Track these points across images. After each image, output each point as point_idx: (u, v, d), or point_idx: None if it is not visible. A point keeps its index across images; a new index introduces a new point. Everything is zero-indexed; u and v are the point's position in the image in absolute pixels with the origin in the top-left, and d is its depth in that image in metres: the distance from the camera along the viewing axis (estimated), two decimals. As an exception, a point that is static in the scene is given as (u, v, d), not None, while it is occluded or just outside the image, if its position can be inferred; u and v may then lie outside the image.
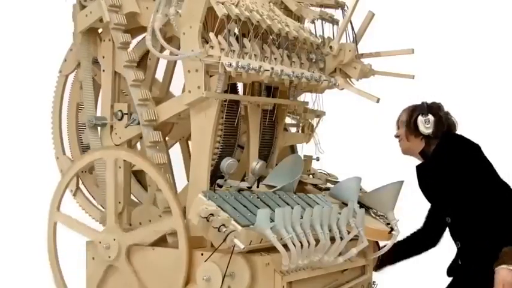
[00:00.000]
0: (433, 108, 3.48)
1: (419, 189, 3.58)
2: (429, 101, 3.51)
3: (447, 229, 3.58)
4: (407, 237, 3.72)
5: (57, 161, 3.50)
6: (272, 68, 2.99)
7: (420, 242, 3.72)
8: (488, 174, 3.38)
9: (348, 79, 3.58)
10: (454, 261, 3.55)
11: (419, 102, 3.52)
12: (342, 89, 3.53)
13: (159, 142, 3.11)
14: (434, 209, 3.63)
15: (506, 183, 3.39)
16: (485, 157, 3.40)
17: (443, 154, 3.42)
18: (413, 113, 3.49)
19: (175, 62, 3.37)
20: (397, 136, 3.60)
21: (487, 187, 3.36)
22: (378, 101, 3.45)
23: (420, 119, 3.45)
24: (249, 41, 3.01)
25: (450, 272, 3.56)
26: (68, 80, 3.48)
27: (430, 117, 3.44)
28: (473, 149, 3.40)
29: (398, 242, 3.52)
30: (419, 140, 3.50)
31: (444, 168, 3.40)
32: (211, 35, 2.92)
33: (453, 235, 3.52)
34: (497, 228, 3.30)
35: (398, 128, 3.60)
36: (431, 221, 3.68)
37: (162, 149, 3.19)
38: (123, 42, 3.13)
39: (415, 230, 3.74)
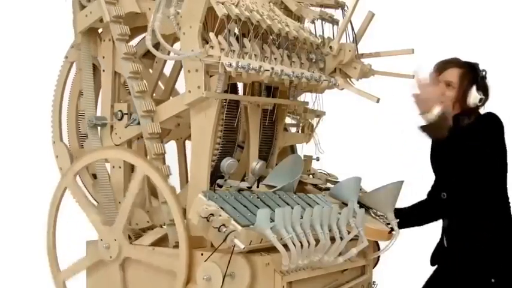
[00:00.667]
0: (486, 85, 3.36)
1: (431, 158, 3.47)
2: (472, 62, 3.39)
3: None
4: (414, 206, 3.63)
5: (53, 145, 3.47)
6: (272, 68, 2.99)
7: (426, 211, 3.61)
8: (503, 163, 3.34)
9: (348, 79, 3.58)
10: (438, 247, 3.49)
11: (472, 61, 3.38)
12: (342, 89, 3.52)
13: (158, 134, 3.10)
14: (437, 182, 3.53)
15: (505, 180, 3.37)
16: (505, 144, 3.33)
17: (481, 133, 3.25)
18: (469, 80, 3.33)
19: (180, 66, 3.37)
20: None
21: (496, 175, 3.32)
22: (378, 101, 3.40)
23: (474, 92, 3.32)
24: (249, 41, 3.01)
25: (434, 259, 3.50)
26: (72, 67, 3.46)
27: (482, 95, 3.33)
28: (502, 135, 3.30)
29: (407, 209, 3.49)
30: (460, 108, 3.35)
31: (473, 146, 3.19)
32: (211, 35, 2.92)
33: (444, 213, 3.45)
34: (490, 214, 3.28)
35: (437, 74, 3.39)
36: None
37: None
38: (121, 33, 3.13)
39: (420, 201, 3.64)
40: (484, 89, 3.37)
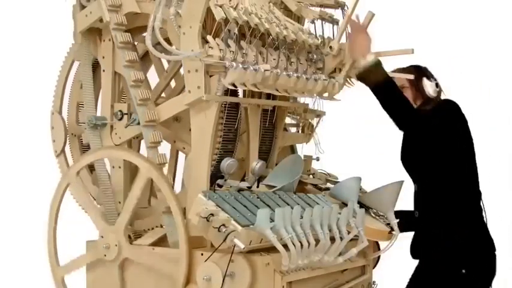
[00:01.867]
0: (429, 71, 3.49)
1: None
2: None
3: None
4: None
5: (51, 116, 3.48)
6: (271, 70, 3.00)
7: None
8: (468, 150, 3.35)
9: (348, 79, 3.58)
10: (414, 239, 3.46)
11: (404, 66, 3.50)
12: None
13: (160, 142, 3.11)
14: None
15: (476, 166, 3.36)
16: (470, 132, 3.36)
17: (439, 113, 3.32)
18: (416, 76, 3.44)
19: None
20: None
21: (462, 161, 3.30)
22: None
23: (427, 82, 3.42)
24: (249, 43, 3.01)
25: (414, 252, 3.46)
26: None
27: (433, 80, 3.44)
28: (464, 122, 3.34)
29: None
30: (422, 101, 3.43)
31: (436, 131, 3.28)
32: (209, 37, 2.93)
33: (415, 204, 3.43)
34: (459, 204, 3.28)
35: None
36: None
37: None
38: (123, 41, 3.13)
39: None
40: (434, 78, 3.47)
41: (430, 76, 3.46)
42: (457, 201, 3.28)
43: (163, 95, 3.60)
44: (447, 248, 3.26)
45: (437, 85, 3.45)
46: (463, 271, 3.23)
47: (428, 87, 3.41)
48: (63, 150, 3.47)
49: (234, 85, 2.93)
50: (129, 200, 3.07)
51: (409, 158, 3.43)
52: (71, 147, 3.50)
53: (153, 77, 3.65)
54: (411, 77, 3.45)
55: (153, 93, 3.53)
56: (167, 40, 3.02)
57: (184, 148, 3.45)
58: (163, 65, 3.66)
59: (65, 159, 3.48)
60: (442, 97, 3.46)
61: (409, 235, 3.60)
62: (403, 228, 3.46)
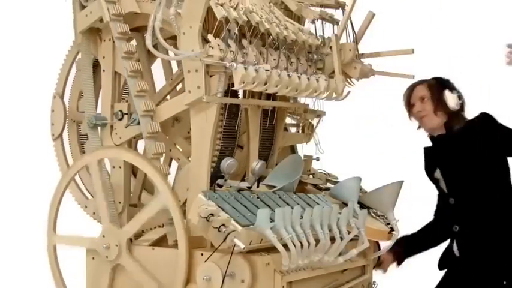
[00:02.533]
0: (455, 86, 3.46)
1: (428, 167, 3.51)
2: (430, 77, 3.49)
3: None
4: (423, 230, 3.64)
5: (52, 100, 3.48)
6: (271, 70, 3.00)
7: (437, 232, 3.61)
8: (504, 165, 3.38)
9: (348, 79, 3.58)
10: (447, 251, 3.50)
11: (428, 77, 3.47)
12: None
13: (158, 133, 3.10)
14: (441, 191, 3.54)
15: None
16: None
17: (481, 131, 3.36)
18: (438, 87, 3.43)
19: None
20: (418, 113, 3.47)
21: (505, 174, 3.36)
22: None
23: (449, 94, 3.39)
24: (249, 43, 3.01)
25: (443, 264, 3.52)
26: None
27: (457, 93, 3.41)
28: (508, 136, 3.35)
29: (413, 236, 3.55)
30: (447, 115, 3.43)
31: (477, 144, 3.33)
32: (210, 37, 2.93)
33: (453, 218, 3.45)
34: (500, 216, 3.30)
35: (412, 106, 3.49)
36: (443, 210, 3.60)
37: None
38: (121, 32, 3.12)
39: (428, 223, 3.65)
40: (457, 90, 3.45)
41: (452, 88, 3.43)
42: (498, 213, 3.32)
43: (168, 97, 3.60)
44: (489, 260, 3.30)
45: (459, 97, 3.41)
46: (504, 283, 3.28)
47: (450, 99, 3.39)
48: (60, 135, 3.48)
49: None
50: (142, 215, 3.04)
51: (447, 174, 3.45)
52: (68, 133, 3.50)
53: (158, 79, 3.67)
54: (411, 77, 3.45)
55: (157, 96, 3.53)
56: (174, 39, 3.02)
57: (179, 159, 3.45)
58: (172, 67, 3.66)
59: (61, 144, 3.48)
60: (466, 108, 3.45)
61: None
62: (403, 255, 3.57)
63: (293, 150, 3.92)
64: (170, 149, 3.47)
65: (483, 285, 3.31)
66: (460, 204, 3.43)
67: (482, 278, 3.31)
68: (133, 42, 3.38)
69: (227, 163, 3.08)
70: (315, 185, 3.66)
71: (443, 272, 3.55)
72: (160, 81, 3.67)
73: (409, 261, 3.73)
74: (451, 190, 3.46)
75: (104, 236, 3.11)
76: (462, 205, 3.42)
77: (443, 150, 3.43)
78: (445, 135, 3.43)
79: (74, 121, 3.51)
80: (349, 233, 2.99)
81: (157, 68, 3.70)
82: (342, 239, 2.95)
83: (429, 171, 3.54)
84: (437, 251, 3.66)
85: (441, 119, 3.43)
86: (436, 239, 3.60)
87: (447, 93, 3.40)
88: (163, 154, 3.16)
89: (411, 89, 3.51)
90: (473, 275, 3.36)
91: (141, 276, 3.04)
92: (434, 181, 3.53)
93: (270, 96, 3.35)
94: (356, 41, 3.55)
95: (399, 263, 3.63)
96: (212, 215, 2.74)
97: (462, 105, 3.44)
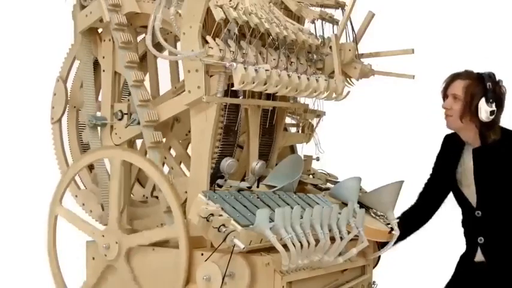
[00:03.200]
0: (497, 96, 3.27)
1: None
2: (486, 71, 3.31)
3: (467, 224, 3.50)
4: (403, 214, 3.62)
5: (56, 83, 3.48)
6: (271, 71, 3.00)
7: (417, 217, 3.61)
8: None
9: (348, 79, 3.58)
10: (468, 260, 3.49)
11: (479, 71, 3.30)
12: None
13: (160, 142, 3.11)
14: (461, 199, 3.50)
15: None
16: None
17: None
18: (475, 93, 3.27)
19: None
20: (445, 108, 3.35)
21: None
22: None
23: (484, 106, 3.25)
24: (249, 43, 3.01)
25: (461, 272, 3.51)
26: None
27: (494, 106, 3.25)
28: None
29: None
30: (473, 123, 3.32)
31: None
32: (209, 37, 2.93)
33: (479, 230, 3.43)
34: None
35: (446, 97, 3.37)
36: (428, 200, 3.60)
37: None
38: (124, 41, 3.13)
39: (410, 207, 3.64)
40: (496, 100, 3.30)
41: (490, 100, 3.26)
42: None
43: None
44: None
45: (492, 112, 3.26)
46: None
47: (483, 111, 3.26)
48: (59, 120, 3.48)
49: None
50: (153, 234, 3.05)
51: (491, 187, 3.39)
52: (68, 118, 3.50)
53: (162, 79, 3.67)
54: (411, 77, 3.45)
55: (158, 101, 3.53)
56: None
57: (172, 168, 3.45)
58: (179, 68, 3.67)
59: (59, 129, 3.48)
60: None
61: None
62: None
63: (293, 150, 3.92)
64: (165, 157, 3.47)
65: None
66: (487, 217, 3.40)
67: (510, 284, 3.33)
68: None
69: (227, 163, 3.08)
70: (315, 185, 3.66)
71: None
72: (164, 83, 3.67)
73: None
74: (481, 203, 3.42)
75: (103, 236, 3.11)
76: (490, 218, 3.39)
77: (482, 163, 3.37)
78: (482, 149, 3.35)
79: (74, 107, 3.50)
80: (349, 233, 2.98)
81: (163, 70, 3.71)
82: (341, 239, 2.95)
83: (446, 161, 3.48)
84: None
85: (466, 126, 3.34)
86: (418, 222, 3.60)
87: (482, 103, 3.26)
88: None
89: (451, 79, 3.38)
90: (501, 281, 3.36)
91: (130, 285, 3.06)
92: (451, 179, 3.48)
93: (270, 96, 3.35)
94: (356, 41, 3.55)
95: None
96: (212, 215, 2.74)
97: (496, 117, 3.30)
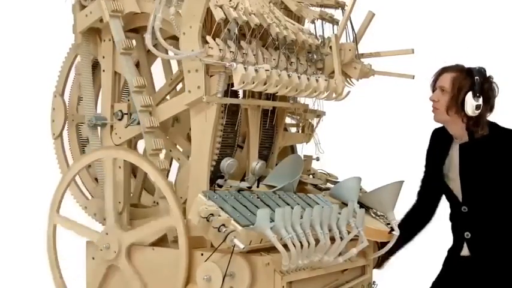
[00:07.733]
0: (485, 91, 3.27)
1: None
2: (476, 66, 3.30)
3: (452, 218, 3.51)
4: (406, 215, 3.62)
5: (53, 99, 3.48)
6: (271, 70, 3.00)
7: (418, 220, 3.61)
8: None
9: (348, 79, 3.58)
10: (455, 255, 3.49)
11: (468, 65, 3.30)
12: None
13: (156, 128, 3.10)
14: (448, 194, 3.49)
15: None
16: None
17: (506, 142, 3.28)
18: (462, 87, 3.26)
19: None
20: (433, 101, 3.35)
21: None
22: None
23: (470, 100, 3.24)
24: (249, 43, 3.01)
25: (449, 264, 3.51)
26: None
27: (481, 101, 3.24)
28: None
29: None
30: (460, 117, 3.31)
31: (505, 155, 3.27)
32: (209, 38, 2.93)
33: (465, 225, 3.42)
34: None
35: (434, 89, 3.37)
36: (426, 197, 3.59)
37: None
38: (126, 48, 3.12)
39: (409, 210, 3.63)
40: (483, 95, 3.29)
41: (477, 94, 3.25)
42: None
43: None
44: (503, 265, 3.32)
45: (478, 107, 3.25)
46: None
47: (469, 104, 3.25)
48: (61, 134, 3.48)
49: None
50: (151, 227, 3.06)
51: (478, 183, 3.38)
52: (68, 133, 3.50)
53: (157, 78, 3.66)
54: (411, 77, 3.45)
55: (156, 96, 3.53)
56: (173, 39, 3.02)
57: (179, 159, 3.45)
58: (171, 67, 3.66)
59: (61, 144, 3.48)
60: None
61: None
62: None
63: (293, 150, 3.92)
64: (170, 150, 3.47)
65: (497, 285, 3.32)
66: (473, 212, 3.40)
67: (498, 283, 3.32)
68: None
69: (227, 163, 3.08)
70: (315, 185, 3.66)
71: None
72: (159, 81, 3.66)
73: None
74: (466, 198, 3.42)
75: (106, 234, 3.11)
76: (476, 213, 3.39)
77: (468, 158, 3.36)
78: (469, 144, 3.35)
79: (73, 120, 3.50)
80: (349, 233, 2.99)
81: (157, 69, 3.70)
82: (341, 239, 2.95)
83: (434, 156, 3.48)
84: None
85: (453, 119, 3.33)
86: (421, 221, 3.60)
87: (468, 97, 3.26)
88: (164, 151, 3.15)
89: (440, 72, 3.38)
90: (488, 280, 3.35)
91: (134, 283, 3.05)
92: (438, 173, 3.48)
93: (270, 96, 3.35)
94: (356, 41, 3.55)
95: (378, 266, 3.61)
96: (212, 215, 2.74)
97: (483, 113, 3.29)
